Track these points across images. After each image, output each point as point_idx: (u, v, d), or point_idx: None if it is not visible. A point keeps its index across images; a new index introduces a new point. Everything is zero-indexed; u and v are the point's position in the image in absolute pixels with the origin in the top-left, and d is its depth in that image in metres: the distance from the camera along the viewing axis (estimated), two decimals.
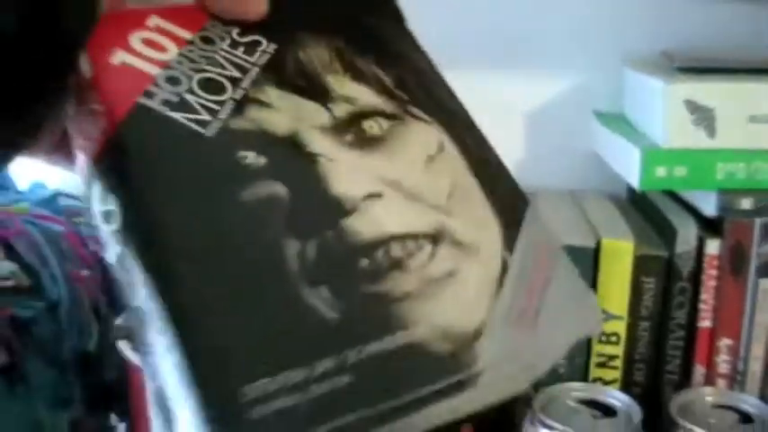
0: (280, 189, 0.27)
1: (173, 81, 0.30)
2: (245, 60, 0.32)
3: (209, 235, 0.26)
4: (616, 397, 0.59)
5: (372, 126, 0.31)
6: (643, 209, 0.69)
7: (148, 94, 0.29)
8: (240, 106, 0.30)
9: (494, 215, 0.31)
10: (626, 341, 0.63)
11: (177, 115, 0.29)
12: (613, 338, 0.63)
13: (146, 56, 0.31)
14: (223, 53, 0.32)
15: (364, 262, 0.27)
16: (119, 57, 0.30)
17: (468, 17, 0.78)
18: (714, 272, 0.61)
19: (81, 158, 0.30)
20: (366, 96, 0.32)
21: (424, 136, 0.32)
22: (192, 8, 0.33)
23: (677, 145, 0.59)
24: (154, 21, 0.32)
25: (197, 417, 0.24)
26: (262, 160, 0.28)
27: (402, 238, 0.28)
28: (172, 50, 0.31)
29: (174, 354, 0.24)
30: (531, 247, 0.31)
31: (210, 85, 0.30)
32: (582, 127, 0.76)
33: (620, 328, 0.62)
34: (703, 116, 0.59)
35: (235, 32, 0.33)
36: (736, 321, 0.62)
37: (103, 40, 0.30)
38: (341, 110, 0.31)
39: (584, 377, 0.63)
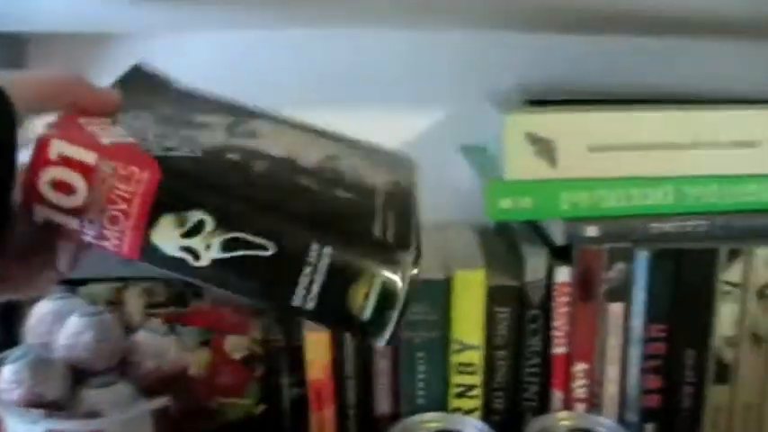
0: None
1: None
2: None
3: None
4: (471, 425, 0.60)
5: None
6: (505, 239, 0.71)
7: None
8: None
9: None
10: (483, 370, 0.64)
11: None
12: (470, 368, 0.64)
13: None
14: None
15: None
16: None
17: (339, 58, 0.80)
18: (565, 299, 0.63)
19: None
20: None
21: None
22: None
23: (519, 176, 0.61)
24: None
25: None
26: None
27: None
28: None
29: None
30: None
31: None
32: (453, 161, 0.77)
33: (477, 357, 0.64)
34: (544, 147, 0.60)
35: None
36: (590, 346, 0.64)
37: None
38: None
39: (443, 407, 0.64)
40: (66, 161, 0.38)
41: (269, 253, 0.39)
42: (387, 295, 0.39)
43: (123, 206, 0.39)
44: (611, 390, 0.64)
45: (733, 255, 0.63)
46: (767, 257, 0.63)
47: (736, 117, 0.63)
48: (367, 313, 0.40)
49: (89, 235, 0.39)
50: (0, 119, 0.35)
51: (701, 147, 0.63)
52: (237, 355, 0.67)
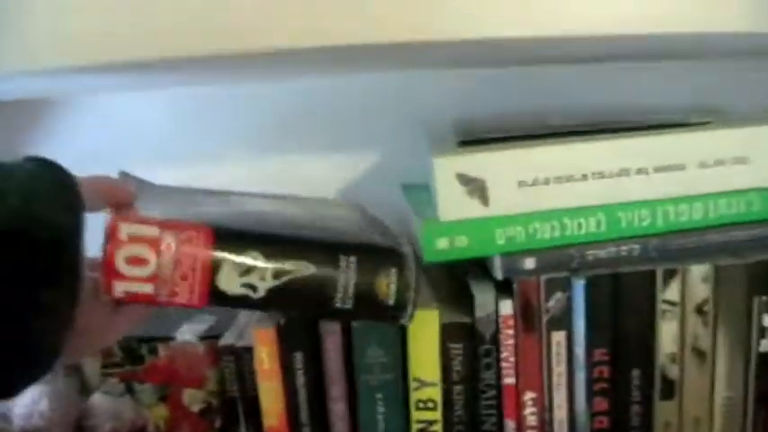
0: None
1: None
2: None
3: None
4: None
5: None
6: (452, 275, 0.72)
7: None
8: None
9: None
10: (442, 406, 0.65)
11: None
12: (430, 404, 0.65)
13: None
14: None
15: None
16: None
17: (281, 109, 0.82)
18: (510, 331, 0.65)
19: None
20: None
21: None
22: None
23: (454, 216, 0.62)
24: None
25: None
26: None
27: None
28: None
29: None
30: None
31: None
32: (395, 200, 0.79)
33: (435, 394, 0.65)
34: (476, 187, 0.62)
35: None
36: (537, 375, 0.65)
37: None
38: None
39: None
40: (134, 239, 0.47)
41: (310, 272, 0.51)
42: (403, 280, 0.53)
43: (190, 263, 0.48)
44: (560, 415, 0.66)
45: (669, 275, 0.65)
46: (702, 274, 0.65)
47: (661, 142, 0.65)
48: (392, 299, 0.53)
49: (162, 295, 0.48)
50: (75, 213, 0.42)
51: (629, 174, 0.64)
52: (195, 408, 0.68)
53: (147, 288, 0.48)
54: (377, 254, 0.53)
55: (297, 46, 0.51)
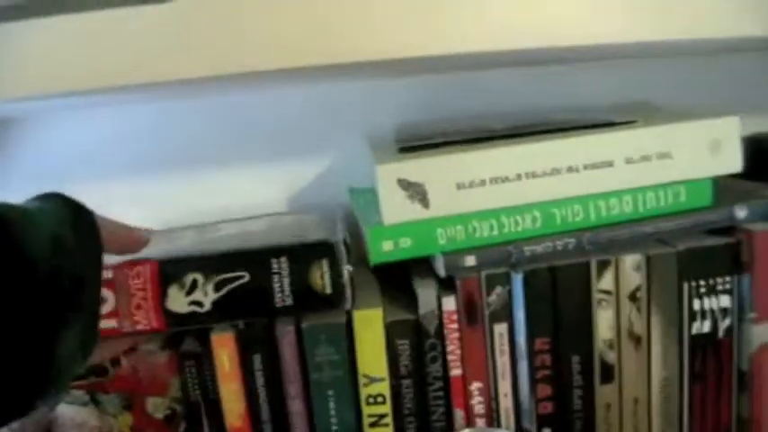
0: None
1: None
2: None
3: None
4: None
5: None
6: (400, 277, 0.76)
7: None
8: None
9: None
10: (391, 399, 0.69)
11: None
12: (380, 399, 0.69)
13: None
14: None
15: None
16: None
17: (229, 121, 0.84)
18: (454, 325, 0.68)
19: None
20: None
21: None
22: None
23: (396, 220, 0.66)
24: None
25: None
26: None
27: None
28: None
29: None
30: None
31: None
32: (344, 204, 0.82)
33: (384, 388, 0.68)
34: (416, 191, 0.66)
35: None
36: (482, 366, 0.69)
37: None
38: None
39: None
40: None
41: (246, 279, 0.57)
42: (335, 269, 0.59)
43: (142, 294, 0.56)
44: (506, 403, 0.70)
45: (603, 265, 0.68)
46: (634, 264, 0.69)
47: (589, 142, 0.69)
48: (329, 288, 0.59)
49: (125, 326, 0.56)
50: (95, 259, 0.47)
51: (561, 172, 0.68)
52: (159, 415, 0.71)
53: (112, 323, 0.56)
54: (306, 250, 0.59)
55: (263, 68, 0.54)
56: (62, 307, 0.43)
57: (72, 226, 0.46)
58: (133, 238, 0.55)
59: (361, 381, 0.68)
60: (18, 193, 0.51)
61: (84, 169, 0.87)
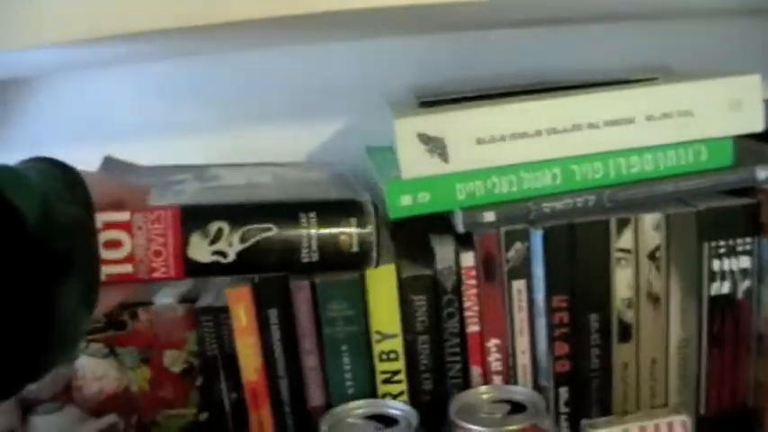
0: None
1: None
2: None
3: None
4: (396, 407, 0.65)
5: None
6: (418, 233, 0.75)
7: None
8: None
9: None
10: (405, 356, 0.69)
11: None
12: (393, 355, 0.69)
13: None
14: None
15: None
16: None
17: (249, 79, 0.84)
18: (472, 281, 0.68)
19: None
20: None
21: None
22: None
23: (415, 174, 0.65)
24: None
25: None
26: None
27: None
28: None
29: None
30: None
31: None
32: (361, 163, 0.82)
33: (397, 345, 0.68)
34: (435, 145, 0.65)
35: None
36: (500, 322, 0.69)
37: None
38: None
39: (373, 394, 0.68)
40: (109, 225, 0.52)
41: (274, 232, 0.54)
42: (363, 228, 0.57)
43: (161, 240, 0.53)
44: (523, 360, 0.70)
45: (622, 224, 0.68)
46: (654, 223, 0.68)
47: (610, 98, 0.68)
48: (355, 246, 0.57)
49: (141, 272, 0.53)
50: (86, 209, 0.47)
51: (582, 128, 0.68)
52: (176, 369, 0.71)
53: (127, 268, 0.52)
54: (336, 207, 0.57)
55: (263, 15, 0.54)
56: (56, 261, 0.43)
57: (62, 180, 0.47)
58: (125, 188, 0.55)
59: (374, 337, 0.68)
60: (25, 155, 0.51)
61: (109, 129, 0.87)
